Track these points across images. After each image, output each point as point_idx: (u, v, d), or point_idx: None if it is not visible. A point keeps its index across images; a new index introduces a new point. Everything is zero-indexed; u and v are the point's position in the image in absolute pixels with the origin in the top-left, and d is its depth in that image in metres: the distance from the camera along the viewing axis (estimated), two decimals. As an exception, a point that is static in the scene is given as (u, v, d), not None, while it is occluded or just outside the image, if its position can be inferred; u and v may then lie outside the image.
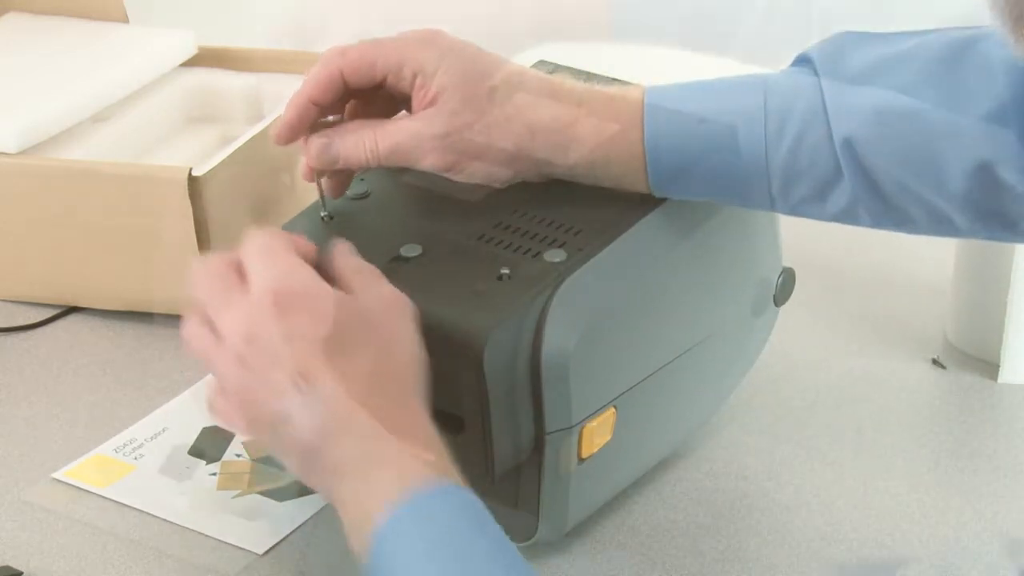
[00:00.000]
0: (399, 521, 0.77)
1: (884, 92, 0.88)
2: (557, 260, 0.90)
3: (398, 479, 0.78)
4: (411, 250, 0.92)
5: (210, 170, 1.15)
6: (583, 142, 0.91)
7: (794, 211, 0.93)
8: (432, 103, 0.90)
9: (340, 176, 0.96)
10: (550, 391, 0.88)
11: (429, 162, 0.92)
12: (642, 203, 0.94)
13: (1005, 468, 1.05)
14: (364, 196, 0.97)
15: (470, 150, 0.91)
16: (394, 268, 0.91)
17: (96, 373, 1.16)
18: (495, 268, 0.90)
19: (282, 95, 1.29)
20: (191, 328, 0.84)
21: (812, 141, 0.89)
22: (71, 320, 1.22)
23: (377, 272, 0.86)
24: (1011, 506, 1.02)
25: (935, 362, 1.16)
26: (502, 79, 0.90)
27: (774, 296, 1.04)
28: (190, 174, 1.14)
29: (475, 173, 0.92)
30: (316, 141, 0.93)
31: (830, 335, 1.19)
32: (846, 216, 0.91)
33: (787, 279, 1.05)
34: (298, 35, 1.48)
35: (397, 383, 0.82)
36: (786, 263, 1.06)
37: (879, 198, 0.89)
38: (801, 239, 1.30)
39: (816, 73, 0.91)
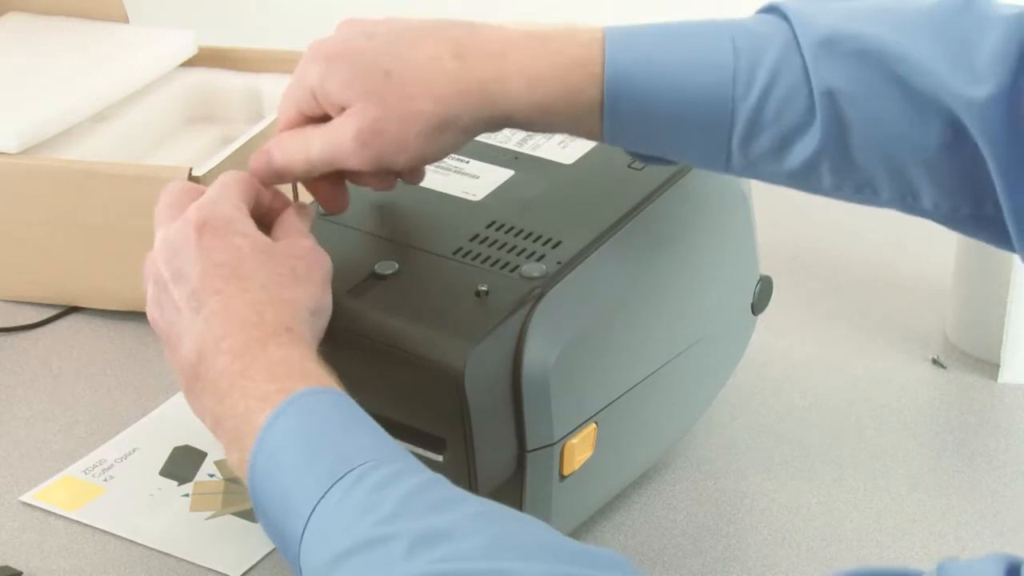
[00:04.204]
0: (277, 420, 0.78)
1: (871, 37, 0.83)
2: (536, 275, 0.89)
3: (277, 391, 0.79)
4: (386, 267, 0.91)
5: (210, 170, 1.15)
6: (519, 92, 0.85)
7: (750, 167, 0.87)
8: (340, 117, 0.87)
9: (327, 183, 0.92)
10: (531, 409, 0.88)
11: (354, 163, 0.87)
12: (619, 215, 0.94)
13: (1005, 468, 1.05)
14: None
15: (389, 144, 0.86)
16: (370, 286, 0.90)
17: (96, 373, 1.16)
18: (473, 284, 0.89)
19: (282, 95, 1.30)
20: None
21: (783, 90, 0.85)
22: (71, 320, 1.22)
23: (304, 231, 0.89)
24: (1011, 506, 1.02)
25: (935, 362, 1.16)
26: (395, 60, 0.86)
27: (752, 304, 1.04)
28: (190, 174, 1.14)
29: (407, 161, 0.88)
30: (257, 159, 0.90)
31: (830, 335, 1.19)
32: (805, 172, 0.86)
33: (764, 287, 1.04)
34: (298, 35, 1.48)
35: (282, 314, 0.83)
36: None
37: (847, 157, 0.85)
38: (802, 239, 1.31)
39: (788, 20, 0.86)
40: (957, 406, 1.12)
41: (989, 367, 1.14)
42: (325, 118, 0.89)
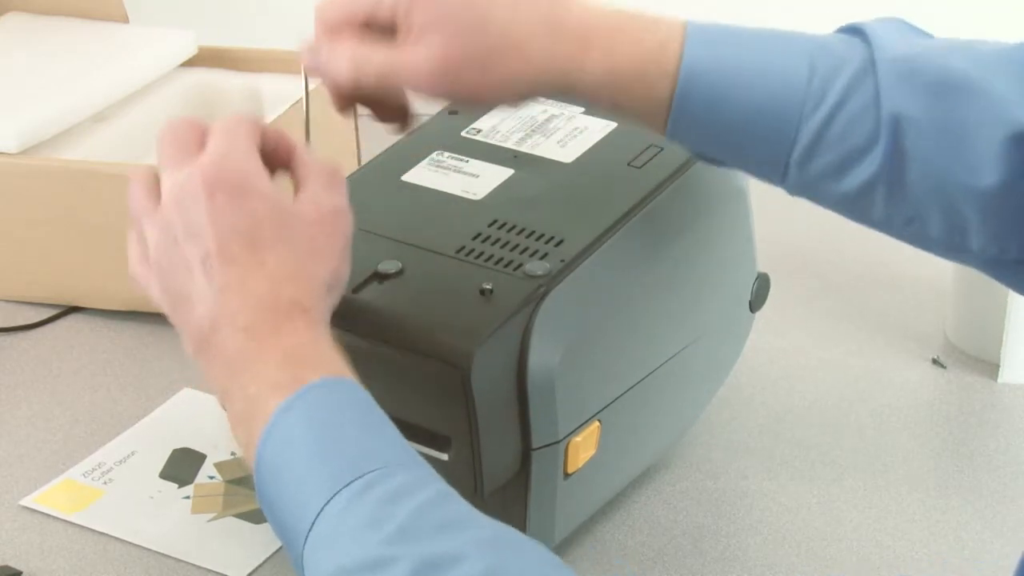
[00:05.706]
0: (287, 412, 0.77)
1: (949, 68, 0.82)
2: (540, 273, 0.89)
3: (289, 379, 0.78)
4: (390, 266, 0.91)
5: (210, 170, 1.15)
6: (596, 81, 0.85)
7: (806, 186, 0.87)
8: (417, 41, 0.84)
9: (383, 108, 0.90)
10: (536, 407, 0.88)
11: (424, 87, 0.85)
12: (620, 213, 0.94)
13: (1005, 468, 1.05)
14: None
15: (466, 86, 0.85)
16: (373, 285, 0.90)
17: (96, 373, 1.16)
18: (477, 283, 0.89)
19: (282, 95, 1.30)
20: (138, 180, 0.85)
21: (851, 111, 0.84)
22: (71, 320, 1.22)
23: (335, 179, 0.85)
24: (1011, 506, 1.02)
25: (935, 362, 1.16)
26: (494, 13, 0.84)
27: (750, 302, 1.04)
28: (190, 174, 1.14)
29: (475, 106, 0.87)
30: (306, 50, 0.88)
31: (830, 334, 1.19)
32: (859, 196, 0.85)
33: (762, 285, 1.04)
34: (298, 35, 1.48)
35: (299, 291, 0.81)
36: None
37: (902, 187, 0.84)
38: (802, 239, 1.31)
39: (868, 43, 0.85)
40: (957, 406, 1.12)
41: (989, 367, 1.14)
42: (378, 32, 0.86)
